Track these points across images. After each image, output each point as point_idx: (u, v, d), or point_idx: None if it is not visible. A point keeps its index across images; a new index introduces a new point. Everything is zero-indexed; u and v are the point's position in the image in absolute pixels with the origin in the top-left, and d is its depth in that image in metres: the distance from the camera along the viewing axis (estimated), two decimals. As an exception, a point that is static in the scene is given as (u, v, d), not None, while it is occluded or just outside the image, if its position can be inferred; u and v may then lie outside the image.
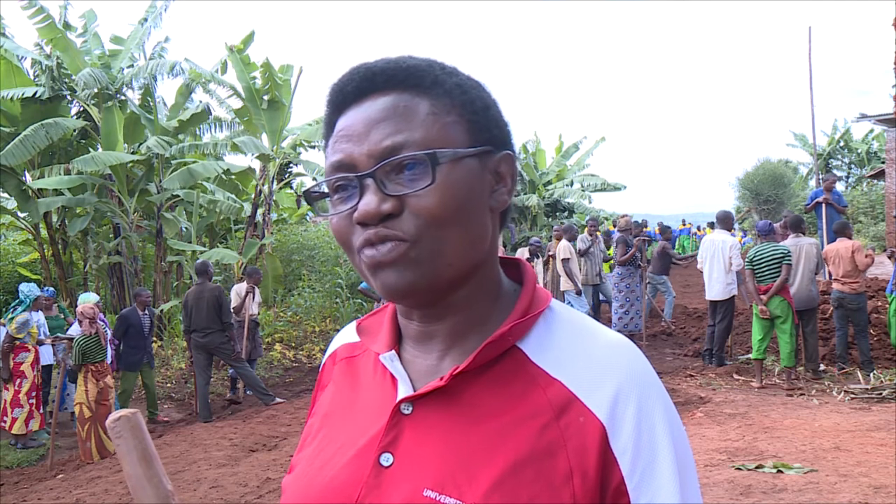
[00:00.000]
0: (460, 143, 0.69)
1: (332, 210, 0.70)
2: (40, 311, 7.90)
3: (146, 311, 8.01)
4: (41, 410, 7.63)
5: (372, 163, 0.67)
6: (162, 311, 11.52)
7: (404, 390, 0.72)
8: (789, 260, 7.14)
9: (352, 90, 0.70)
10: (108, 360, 7.00)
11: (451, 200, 0.66)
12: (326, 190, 0.71)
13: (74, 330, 7.45)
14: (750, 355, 7.71)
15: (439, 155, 0.66)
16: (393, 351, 0.75)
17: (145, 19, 12.38)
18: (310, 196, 0.74)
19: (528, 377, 0.69)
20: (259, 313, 9.04)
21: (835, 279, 7.56)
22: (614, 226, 19.19)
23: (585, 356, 0.70)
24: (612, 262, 10.53)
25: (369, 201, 0.66)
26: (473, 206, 0.68)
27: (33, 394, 7.47)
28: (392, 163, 0.66)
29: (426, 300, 0.71)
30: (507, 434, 0.66)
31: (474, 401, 0.69)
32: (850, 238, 7.65)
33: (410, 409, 0.70)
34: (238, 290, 8.72)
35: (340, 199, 0.70)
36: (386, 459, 0.69)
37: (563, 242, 10.17)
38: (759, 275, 7.22)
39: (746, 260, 7.41)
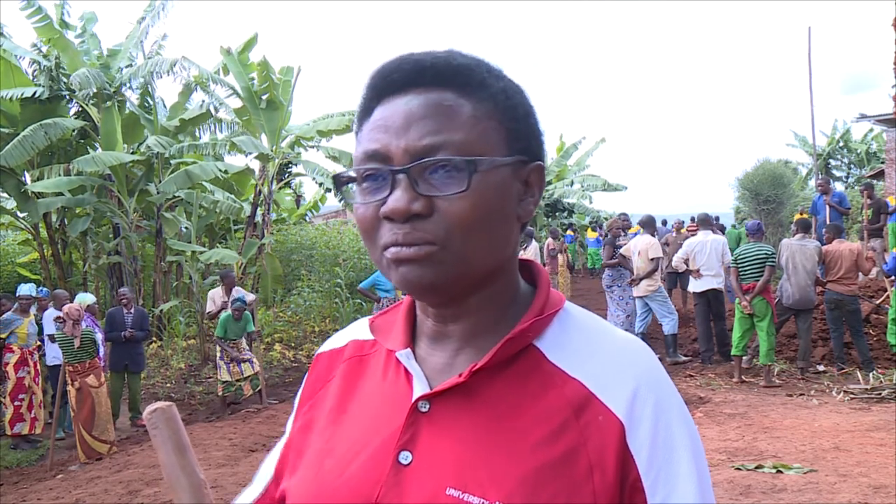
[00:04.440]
0: (498, 149, 0.68)
1: (359, 198, 0.70)
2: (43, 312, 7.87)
3: (131, 311, 7.82)
4: (31, 412, 7.51)
5: (407, 158, 0.66)
6: (162, 311, 11.51)
7: (421, 388, 0.72)
8: (773, 261, 7.31)
9: (397, 79, 0.69)
10: (101, 359, 6.95)
11: (482, 208, 0.66)
12: (355, 175, 0.70)
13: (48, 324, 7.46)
14: (756, 356, 7.77)
15: (478, 163, 0.66)
16: (409, 349, 0.75)
17: (143, 18, 12.36)
18: (338, 180, 0.73)
19: (545, 375, 0.70)
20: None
21: (831, 280, 7.56)
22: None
23: (601, 355, 0.71)
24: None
25: (400, 198, 0.66)
26: (501, 215, 0.69)
27: (21, 396, 7.35)
28: (429, 163, 0.66)
29: (443, 299, 0.71)
30: (528, 432, 0.67)
31: (492, 398, 0.69)
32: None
33: (428, 406, 0.70)
34: (213, 295, 8.45)
35: (369, 189, 0.69)
36: (405, 458, 0.68)
37: (648, 238, 8.61)
38: (742, 273, 7.40)
39: (732, 258, 7.69)
